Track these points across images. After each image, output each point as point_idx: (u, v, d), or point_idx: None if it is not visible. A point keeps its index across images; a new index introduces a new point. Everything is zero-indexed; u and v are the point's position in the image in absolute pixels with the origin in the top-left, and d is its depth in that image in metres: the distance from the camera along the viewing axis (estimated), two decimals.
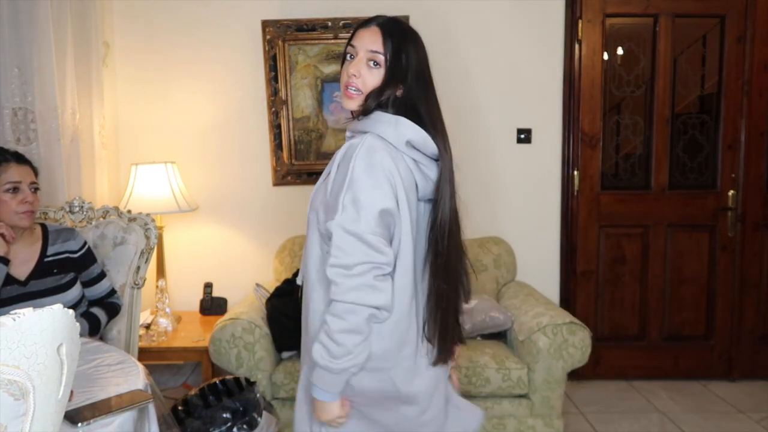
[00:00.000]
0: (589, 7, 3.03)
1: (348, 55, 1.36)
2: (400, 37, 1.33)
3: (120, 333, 2.18)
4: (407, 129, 1.30)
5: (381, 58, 1.32)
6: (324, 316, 1.26)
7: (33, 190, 1.89)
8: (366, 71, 1.32)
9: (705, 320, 3.21)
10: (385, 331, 1.30)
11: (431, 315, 1.37)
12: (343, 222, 1.22)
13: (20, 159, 1.88)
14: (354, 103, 1.34)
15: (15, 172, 1.84)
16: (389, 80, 1.32)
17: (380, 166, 1.25)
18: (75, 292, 1.98)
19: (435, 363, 1.39)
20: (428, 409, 1.41)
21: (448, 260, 1.36)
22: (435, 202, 1.35)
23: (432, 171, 1.35)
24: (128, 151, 3.10)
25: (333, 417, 1.32)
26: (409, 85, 1.33)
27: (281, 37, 3.00)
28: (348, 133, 1.42)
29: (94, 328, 1.97)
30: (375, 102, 1.32)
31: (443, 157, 1.35)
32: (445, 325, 1.38)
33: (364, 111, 1.32)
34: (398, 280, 1.29)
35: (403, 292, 1.30)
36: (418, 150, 1.32)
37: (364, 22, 1.36)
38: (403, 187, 1.28)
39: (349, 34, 1.40)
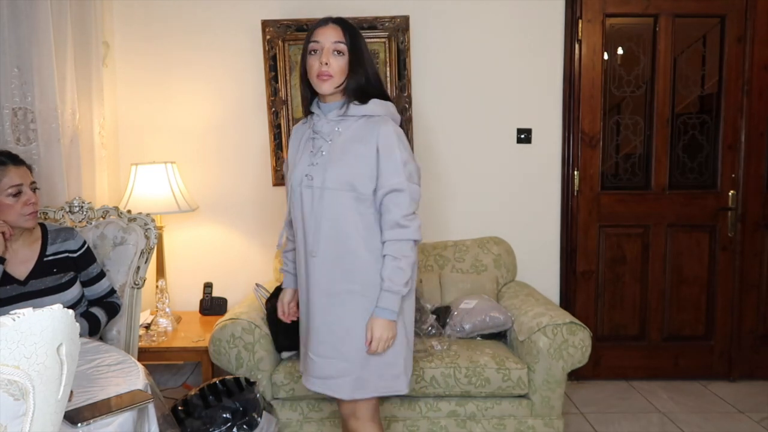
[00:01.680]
0: (589, 7, 3.03)
1: (312, 51, 1.64)
2: (353, 32, 1.66)
3: (120, 333, 2.18)
4: (395, 110, 1.72)
5: (343, 47, 1.63)
6: (390, 254, 1.60)
7: (33, 189, 1.89)
8: (333, 59, 1.62)
9: (705, 320, 3.21)
10: None
11: None
12: (407, 182, 1.61)
13: (16, 160, 1.86)
14: (326, 85, 1.63)
15: (15, 175, 1.83)
16: (354, 67, 1.63)
17: (405, 139, 1.68)
18: (74, 291, 1.98)
19: None
20: None
21: None
22: None
23: None
24: (128, 151, 3.10)
25: (394, 334, 1.64)
26: (367, 72, 1.66)
27: (281, 37, 3.00)
28: (333, 115, 1.66)
29: (93, 328, 1.97)
30: (355, 85, 1.64)
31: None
32: None
33: (358, 98, 1.65)
34: None
35: None
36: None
37: (321, 22, 1.66)
38: None
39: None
